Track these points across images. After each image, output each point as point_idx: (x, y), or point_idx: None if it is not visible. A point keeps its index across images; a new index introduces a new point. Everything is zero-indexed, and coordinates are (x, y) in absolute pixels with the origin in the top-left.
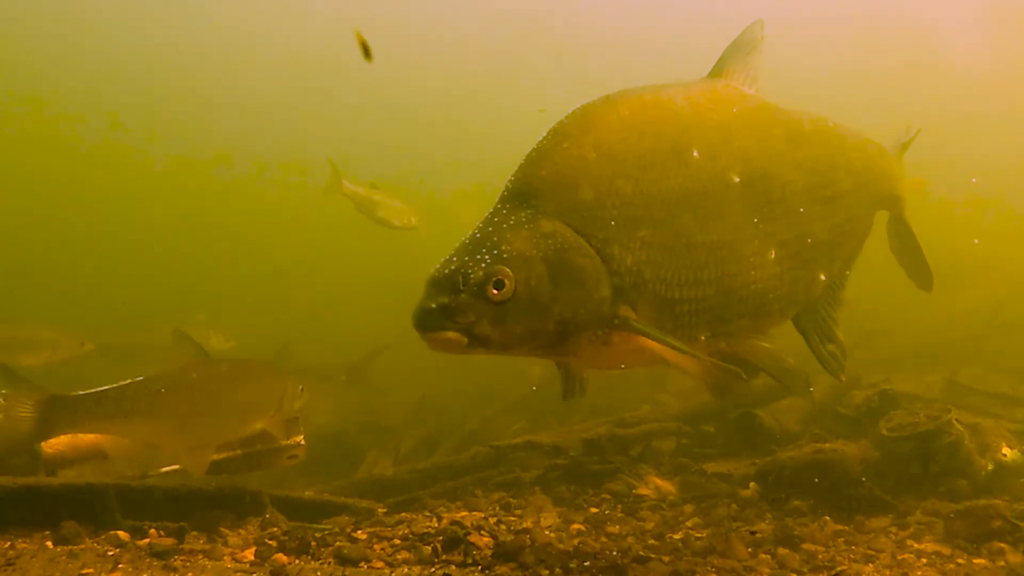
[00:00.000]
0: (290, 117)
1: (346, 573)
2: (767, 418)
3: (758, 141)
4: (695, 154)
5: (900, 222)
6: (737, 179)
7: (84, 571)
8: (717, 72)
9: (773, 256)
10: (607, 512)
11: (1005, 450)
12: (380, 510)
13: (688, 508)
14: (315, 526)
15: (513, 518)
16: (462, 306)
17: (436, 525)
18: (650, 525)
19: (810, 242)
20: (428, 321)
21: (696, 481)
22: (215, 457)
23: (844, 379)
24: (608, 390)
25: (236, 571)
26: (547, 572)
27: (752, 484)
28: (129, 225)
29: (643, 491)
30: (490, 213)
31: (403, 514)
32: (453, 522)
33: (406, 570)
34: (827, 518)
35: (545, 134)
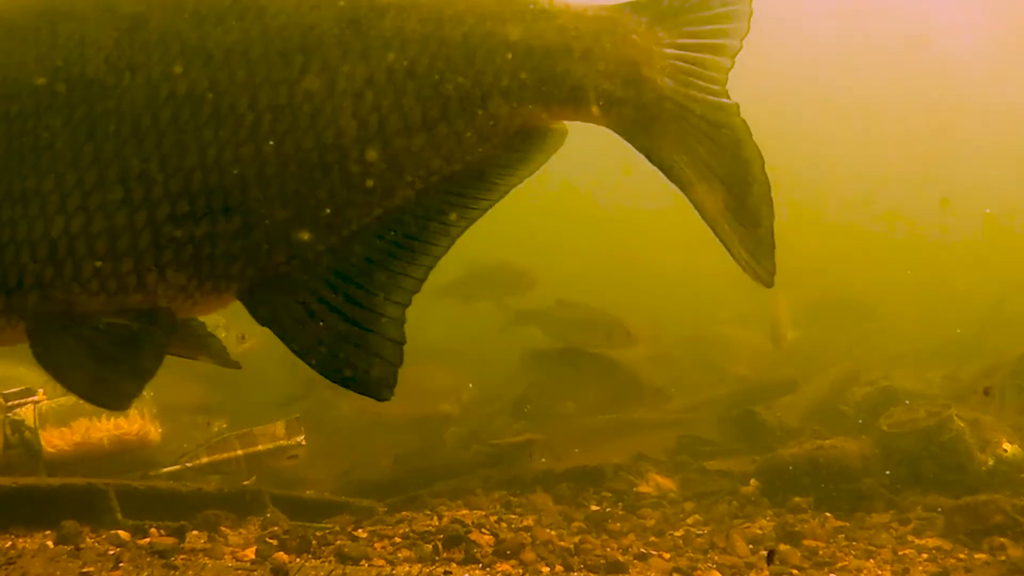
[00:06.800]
0: None
1: (347, 571)
2: (767, 415)
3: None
4: None
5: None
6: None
7: (85, 570)
8: None
9: (139, 197)
10: (608, 510)
11: (1006, 445)
12: (381, 509)
13: (689, 505)
14: (316, 525)
15: (514, 516)
16: None
17: (437, 523)
18: (651, 522)
19: (238, 175)
20: None
21: (697, 478)
22: (215, 458)
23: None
24: None
25: (237, 569)
26: (548, 570)
27: (753, 481)
28: None
29: (644, 489)
30: None
31: (404, 513)
32: (454, 520)
33: (407, 568)
34: (828, 514)
35: None
